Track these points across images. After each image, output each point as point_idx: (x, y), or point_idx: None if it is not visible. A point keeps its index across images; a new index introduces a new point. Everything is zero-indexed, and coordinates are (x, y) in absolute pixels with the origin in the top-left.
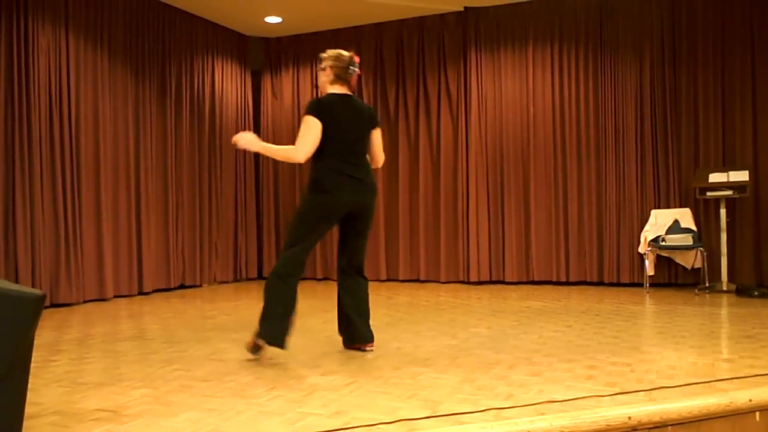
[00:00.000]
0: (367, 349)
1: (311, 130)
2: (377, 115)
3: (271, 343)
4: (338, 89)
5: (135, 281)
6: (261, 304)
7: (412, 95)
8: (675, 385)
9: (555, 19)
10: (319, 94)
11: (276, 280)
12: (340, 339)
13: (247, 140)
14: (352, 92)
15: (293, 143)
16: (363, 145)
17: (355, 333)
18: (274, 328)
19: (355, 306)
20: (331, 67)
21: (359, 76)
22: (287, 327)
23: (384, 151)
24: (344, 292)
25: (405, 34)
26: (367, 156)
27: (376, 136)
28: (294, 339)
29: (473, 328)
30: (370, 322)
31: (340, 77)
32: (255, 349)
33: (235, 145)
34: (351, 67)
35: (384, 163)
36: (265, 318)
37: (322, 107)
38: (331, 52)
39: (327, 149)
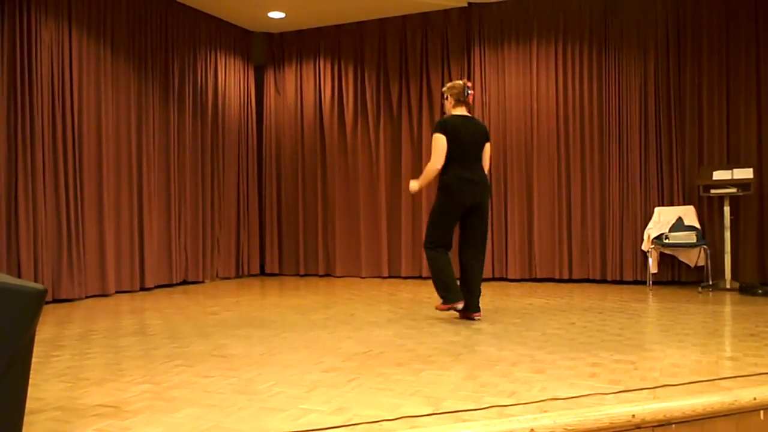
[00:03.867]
0: (476, 318)
1: (440, 144)
2: (489, 132)
3: (457, 301)
4: (459, 111)
5: (137, 277)
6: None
7: (415, 91)
8: (679, 383)
9: (559, 15)
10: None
11: (432, 253)
12: (340, 335)
13: (412, 187)
14: (470, 112)
15: (295, 139)
16: (479, 153)
17: (467, 305)
18: (452, 291)
19: (467, 285)
20: (451, 95)
21: (359, 74)
22: (457, 285)
23: (387, 147)
24: (463, 272)
25: (408, 30)
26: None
27: (487, 148)
28: (297, 335)
29: (476, 325)
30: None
31: (460, 101)
32: (451, 308)
33: (413, 192)
34: (466, 91)
35: (387, 160)
36: (441, 288)
37: (446, 126)
38: (448, 84)
39: (451, 158)
